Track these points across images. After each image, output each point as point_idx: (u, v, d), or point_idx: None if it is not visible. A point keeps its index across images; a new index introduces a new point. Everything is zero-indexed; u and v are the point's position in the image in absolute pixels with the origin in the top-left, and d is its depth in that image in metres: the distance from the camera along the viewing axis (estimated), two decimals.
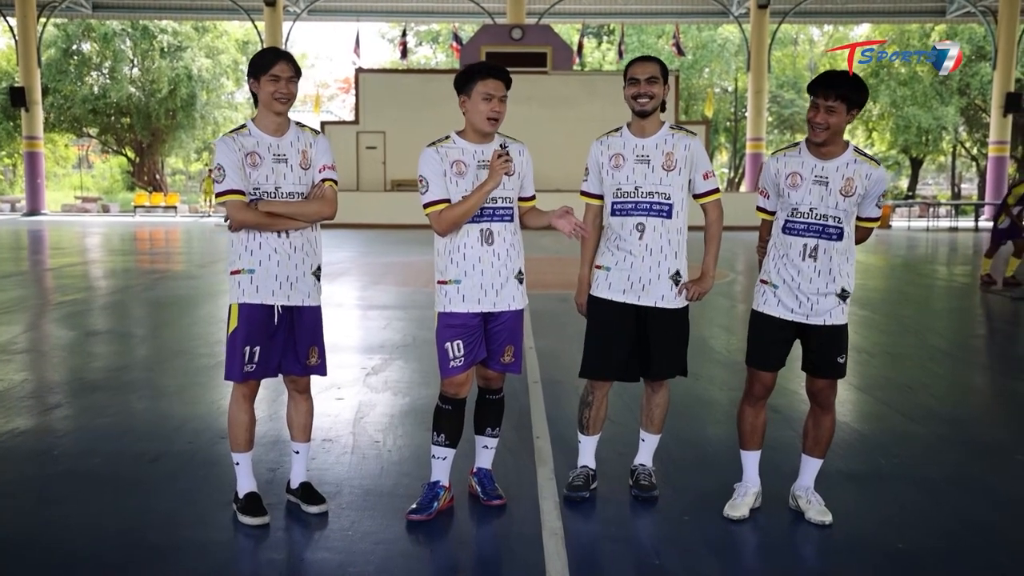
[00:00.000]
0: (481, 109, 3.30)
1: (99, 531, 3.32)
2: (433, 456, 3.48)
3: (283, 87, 3.26)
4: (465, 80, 3.34)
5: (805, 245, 3.38)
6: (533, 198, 3.57)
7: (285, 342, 3.41)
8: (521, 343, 3.54)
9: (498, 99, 3.31)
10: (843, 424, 4.82)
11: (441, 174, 3.35)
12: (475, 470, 3.66)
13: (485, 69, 3.34)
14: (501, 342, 3.45)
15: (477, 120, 3.33)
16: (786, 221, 3.43)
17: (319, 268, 3.47)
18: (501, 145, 3.37)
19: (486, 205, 3.34)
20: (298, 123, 3.44)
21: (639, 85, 3.46)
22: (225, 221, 3.38)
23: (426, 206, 3.36)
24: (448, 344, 3.37)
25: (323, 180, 3.39)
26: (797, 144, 3.49)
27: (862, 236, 3.52)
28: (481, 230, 3.36)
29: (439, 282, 3.42)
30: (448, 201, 3.34)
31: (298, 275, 3.38)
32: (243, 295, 3.33)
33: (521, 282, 3.47)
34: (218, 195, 3.29)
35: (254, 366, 3.35)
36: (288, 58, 3.32)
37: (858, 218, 3.45)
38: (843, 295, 3.39)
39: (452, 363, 3.37)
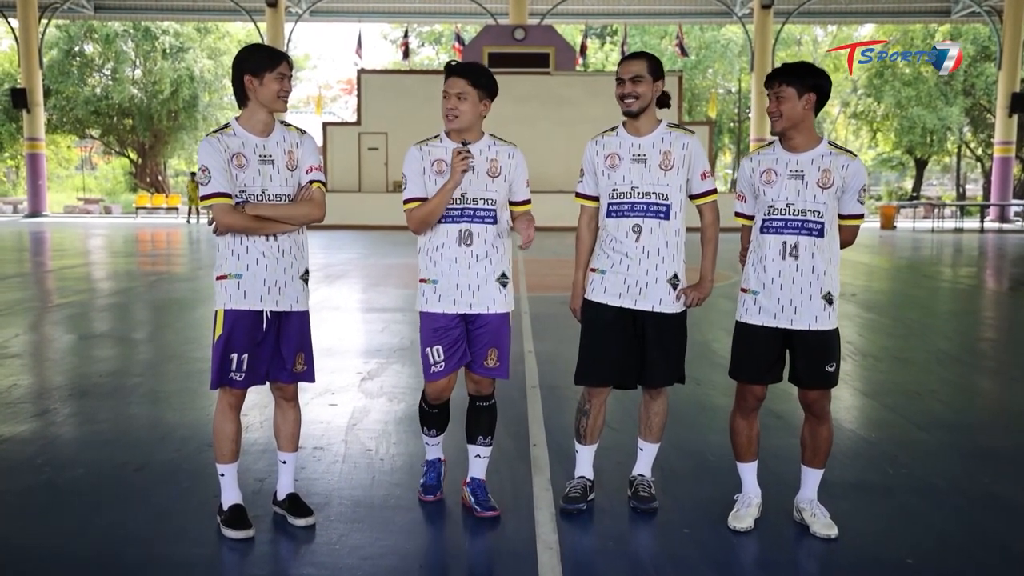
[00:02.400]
0: (442, 107, 3.32)
1: (76, 546, 3.20)
2: (426, 443, 3.67)
3: (287, 86, 3.23)
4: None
5: (784, 243, 3.24)
6: (527, 203, 3.49)
7: (272, 349, 3.31)
8: (507, 347, 3.45)
9: (454, 96, 3.28)
10: (849, 432, 4.70)
11: (420, 172, 3.36)
12: (468, 480, 3.56)
13: (447, 67, 3.34)
14: (483, 345, 3.39)
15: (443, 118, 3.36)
16: (763, 220, 3.30)
17: (307, 272, 3.38)
18: (463, 143, 3.31)
19: (466, 206, 3.32)
20: (283, 122, 3.36)
21: (624, 85, 3.38)
22: (210, 224, 3.28)
23: (404, 203, 3.39)
24: (428, 349, 3.36)
25: (310, 182, 3.30)
26: (771, 143, 3.38)
27: (847, 237, 3.36)
28: (460, 231, 3.33)
29: (420, 280, 3.42)
30: (425, 199, 3.33)
31: (287, 279, 3.28)
32: (230, 301, 3.23)
33: (505, 285, 3.40)
34: (203, 198, 3.18)
35: (242, 374, 3.25)
36: (288, 56, 3.31)
37: (841, 217, 3.31)
38: (828, 298, 3.24)
39: (433, 368, 3.36)
